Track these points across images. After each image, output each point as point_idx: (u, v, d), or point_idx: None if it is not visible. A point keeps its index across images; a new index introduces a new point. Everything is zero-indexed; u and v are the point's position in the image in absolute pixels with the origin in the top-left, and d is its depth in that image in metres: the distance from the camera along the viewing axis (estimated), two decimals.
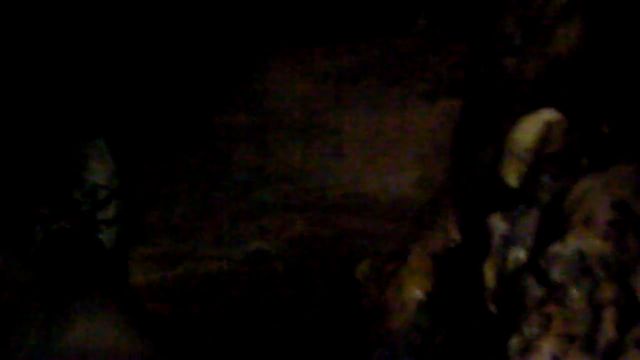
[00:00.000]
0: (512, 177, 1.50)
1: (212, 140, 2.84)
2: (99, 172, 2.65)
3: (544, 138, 1.46)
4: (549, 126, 1.47)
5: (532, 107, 1.58)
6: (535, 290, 1.19)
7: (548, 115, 1.49)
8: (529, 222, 1.34)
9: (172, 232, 2.65)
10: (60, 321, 2.01)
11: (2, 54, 2.47)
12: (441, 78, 2.79)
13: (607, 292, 1.09)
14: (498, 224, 1.38)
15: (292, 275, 2.47)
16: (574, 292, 1.13)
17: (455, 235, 1.98)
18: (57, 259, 2.31)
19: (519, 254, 1.32)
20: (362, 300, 2.21)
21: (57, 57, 2.65)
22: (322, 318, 2.29)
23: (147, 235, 2.64)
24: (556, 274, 1.15)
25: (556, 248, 1.17)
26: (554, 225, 1.25)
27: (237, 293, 2.46)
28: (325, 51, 2.92)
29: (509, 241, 1.36)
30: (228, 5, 2.90)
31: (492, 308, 1.39)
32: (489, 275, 1.38)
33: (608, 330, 1.07)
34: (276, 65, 2.97)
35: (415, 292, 2.01)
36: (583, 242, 1.15)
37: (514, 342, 1.15)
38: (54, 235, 2.35)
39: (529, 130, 1.50)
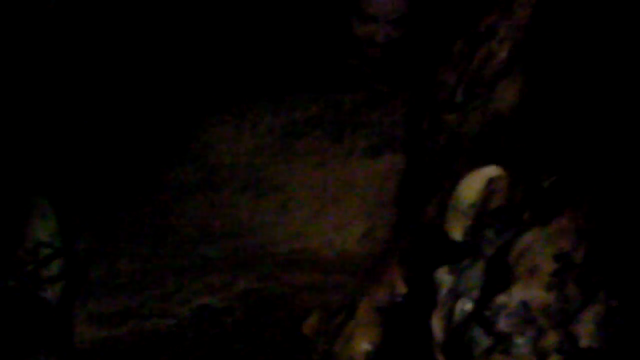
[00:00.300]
0: (456, 232, 1.54)
1: (157, 195, 2.85)
2: (42, 230, 2.64)
3: (487, 194, 1.50)
4: (491, 182, 1.52)
5: (474, 162, 1.63)
6: (483, 340, 1.22)
7: (490, 171, 1.53)
8: (475, 274, 1.38)
9: (118, 289, 2.64)
10: None
11: None
12: (383, 134, 2.85)
13: (551, 339, 1.13)
14: (444, 277, 1.42)
15: (241, 329, 2.48)
16: (520, 341, 1.16)
17: (401, 289, 2.01)
18: (1, 318, 2.28)
19: (466, 306, 1.35)
20: (311, 354, 2.22)
21: None
22: None
23: (92, 292, 2.63)
24: (502, 324, 1.19)
25: (502, 299, 1.21)
26: (499, 277, 1.29)
27: (186, 350, 2.45)
28: (269, 107, 2.96)
29: (455, 294, 1.40)
30: (172, 63, 2.94)
31: (441, 359, 1.42)
32: (437, 327, 1.41)
33: None
34: (222, 121, 3.00)
35: (363, 345, 2.03)
36: (527, 292, 1.19)
37: None
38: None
39: (472, 186, 1.54)
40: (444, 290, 1.43)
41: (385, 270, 2.08)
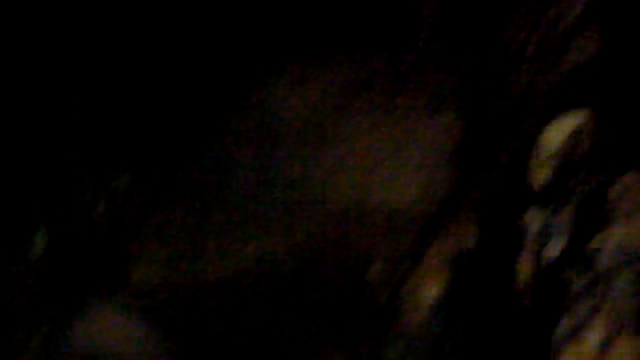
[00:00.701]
0: (540, 178, 1.56)
1: (215, 147, 2.89)
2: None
3: (573, 140, 1.53)
4: (577, 129, 1.54)
5: (554, 112, 1.65)
6: (579, 280, 1.25)
7: (576, 118, 1.56)
8: (564, 218, 1.41)
9: (177, 236, 2.69)
10: (66, 320, 2.01)
11: None
12: (442, 92, 2.87)
13: None
14: (533, 221, 1.45)
15: (300, 277, 2.52)
16: (618, 282, 1.19)
17: (470, 238, 2.04)
18: (62, 259, 2.31)
19: (556, 248, 1.38)
20: (373, 302, 2.26)
21: None
22: (330, 320, 2.33)
23: (152, 238, 2.67)
24: (600, 264, 1.22)
25: (600, 240, 1.23)
26: (593, 220, 1.31)
27: (242, 296, 2.49)
28: (325, 66, 2.98)
29: (544, 236, 1.43)
30: (235, 17, 2.96)
31: (526, 301, 1.45)
32: (523, 270, 1.44)
33: None
34: (278, 79, 3.03)
35: (430, 292, 2.06)
36: (627, 233, 1.22)
37: (560, 330, 1.21)
38: (60, 237, 2.36)
39: (557, 133, 1.57)
40: (531, 234, 1.46)
41: (453, 220, 2.11)
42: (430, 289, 2.07)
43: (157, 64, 2.89)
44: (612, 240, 1.23)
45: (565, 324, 1.21)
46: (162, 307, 2.52)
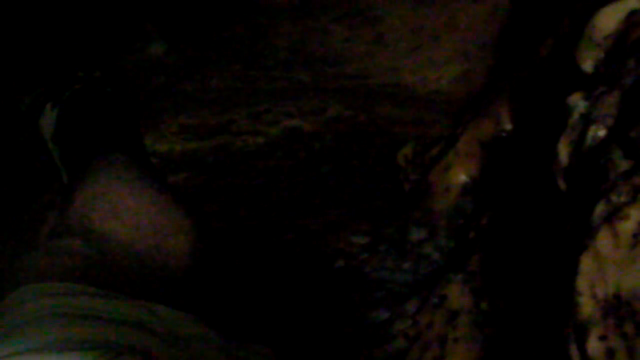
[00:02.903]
0: (588, 62, 1.51)
1: (252, 17, 2.83)
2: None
3: (628, 25, 1.47)
4: (633, 13, 1.48)
5: None
6: (622, 163, 1.22)
7: (632, 3, 1.49)
8: (611, 102, 1.36)
9: (209, 104, 2.66)
10: (79, 179, 1.90)
11: None
12: None
13: None
14: (578, 103, 1.41)
15: (329, 153, 2.50)
16: None
17: (507, 123, 2.01)
18: (78, 115, 2.23)
19: (600, 131, 1.34)
20: (402, 183, 2.24)
21: None
22: (357, 196, 2.32)
23: (183, 105, 2.65)
24: None
25: None
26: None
27: (274, 167, 2.48)
28: None
29: (588, 119, 1.39)
30: None
31: (562, 185, 1.42)
32: (563, 151, 1.41)
33: None
34: None
35: (461, 176, 2.04)
36: None
37: (599, 209, 1.18)
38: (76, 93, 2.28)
39: (610, 17, 1.51)
40: (575, 116, 1.42)
41: (491, 104, 2.07)
42: (460, 173, 2.05)
43: None
44: None
45: (603, 206, 1.18)
46: (185, 179, 2.52)
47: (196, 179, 2.46)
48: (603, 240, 1.15)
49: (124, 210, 1.71)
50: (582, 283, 1.16)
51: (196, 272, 1.74)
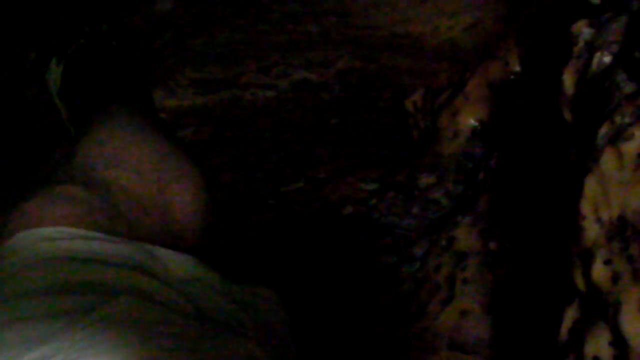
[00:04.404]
0: None
1: None
2: None
3: None
4: None
5: None
6: (627, 85, 1.18)
7: None
8: (616, 28, 1.33)
9: (218, 58, 2.64)
10: (82, 131, 1.86)
11: None
12: None
13: None
14: (583, 30, 1.37)
15: (338, 105, 2.47)
16: None
17: (515, 65, 1.97)
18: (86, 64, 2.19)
19: (605, 58, 1.31)
20: (411, 130, 2.22)
21: None
22: (366, 146, 2.29)
23: (192, 60, 2.63)
24: None
25: None
26: None
27: (283, 119, 2.46)
28: None
29: (593, 47, 1.35)
30: None
31: (568, 115, 1.39)
32: (568, 80, 1.38)
33: None
34: None
35: (470, 120, 2.01)
36: None
37: (603, 131, 1.15)
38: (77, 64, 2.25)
39: None
40: (580, 44, 1.38)
41: (499, 47, 2.03)
42: (469, 117, 2.02)
43: None
44: None
45: (607, 128, 1.15)
46: (194, 133, 2.50)
47: (204, 132, 2.44)
48: (607, 162, 1.12)
49: (126, 157, 1.68)
50: (586, 206, 1.13)
51: (202, 219, 1.71)
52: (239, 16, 2.69)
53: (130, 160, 1.67)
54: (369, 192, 2.01)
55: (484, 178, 1.86)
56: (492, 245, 1.70)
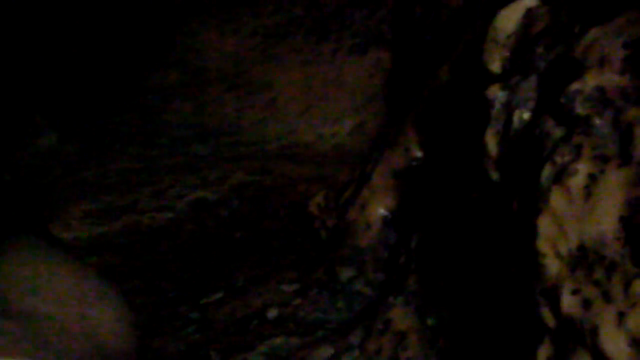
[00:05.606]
0: (495, 63, 1.57)
1: (143, 99, 2.82)
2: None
3: (527, 21, 1.54)
4: (530, 11, 1.55)
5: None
6: (556, 130, 1.25)
7: (528, 2, 1.57)
8: (529, 86, 1.41)
9: (111, 187, 2.62)
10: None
11: None
12: (368, 32, 2.86)
13: (632, 114, 1.17)
14: (497, 93, 1.45)
15: (239, 219, 2.48)
16: (599, 121, 1.20)
17: (416, 152, 2.04)
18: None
19: (524, 115, 1.39)
20: (318, 231, 2.24)
21: None
22: (277, 252, 2.30)
23: (85, 192, 2.59)
24: (579, 108, 1.22)
25: (576, 86, 1.24)
26: (562, 78, 1.32)
27: (184, 240, 2.44)
28: (251, 9, 2.95)
29: (509, 107, 1.43)
30: None
31: (495, 175, 1.45)
32: (491, 142, 1.44)
33: None
34: (203, 25, 2.98)
35: (380, 210, 2.05)
36: (601, 79, 1.23)
37: (546, 172, 1.21)
38: None
39: (509, 17, 1.58)
40: (497, 106, 1.46)
41: (398, 135, 2.11)
42: (379, 207, 2.07)
43: (76, 17, 2.80)
44: (587, 86, 1.24)
45: (549, 169, 1.21)
46: (97, 263, 2.44)
47: (107, 260, 2.39)
48: (557, 199, 1.17)
49: (41, 284, 1.63)
50: (543, 244, 1.18)
51: (128, 337, 1.66)
52: (128, 144, 2.70)
53: (47, 287, 1.62)
54: (292, 293, 2.00)
55: (406, 260, 1.89)
56: (430, 321, 1.71)
